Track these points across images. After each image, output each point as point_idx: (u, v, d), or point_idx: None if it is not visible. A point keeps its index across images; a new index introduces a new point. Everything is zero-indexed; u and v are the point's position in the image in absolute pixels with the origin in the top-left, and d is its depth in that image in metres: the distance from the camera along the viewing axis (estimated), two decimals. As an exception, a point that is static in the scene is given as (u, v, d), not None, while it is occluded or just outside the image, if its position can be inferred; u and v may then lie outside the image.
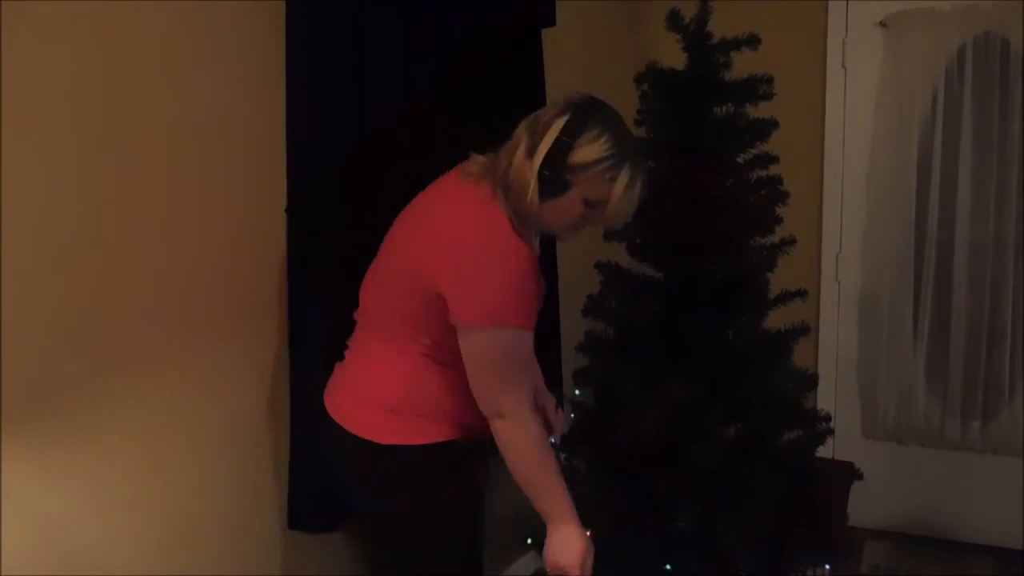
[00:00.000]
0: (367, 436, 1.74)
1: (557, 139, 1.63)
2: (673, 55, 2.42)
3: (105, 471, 1.65)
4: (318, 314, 2.01)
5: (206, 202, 1.81)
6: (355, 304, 1.88)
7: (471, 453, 1.83)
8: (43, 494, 1.55)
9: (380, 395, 1.77)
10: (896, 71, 3.20)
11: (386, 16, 2.09)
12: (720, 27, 2.38)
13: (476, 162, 1.75)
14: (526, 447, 1.71)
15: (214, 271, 1.84)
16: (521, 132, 1.70)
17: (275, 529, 2.04)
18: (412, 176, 1.94)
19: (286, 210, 1.98)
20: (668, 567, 2.20)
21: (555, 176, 1.63)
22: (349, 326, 1.90)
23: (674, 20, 2.35)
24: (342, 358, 1.88)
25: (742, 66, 2.37)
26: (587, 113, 1.65)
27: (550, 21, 2.64)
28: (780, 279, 2.45)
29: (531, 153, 1.65)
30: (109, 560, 1.66)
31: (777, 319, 2.44)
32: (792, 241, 2.43)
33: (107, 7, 1.57)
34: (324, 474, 2.01)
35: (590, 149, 1.63)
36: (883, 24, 3.23)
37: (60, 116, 1.51)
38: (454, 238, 1.66)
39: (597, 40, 3.23)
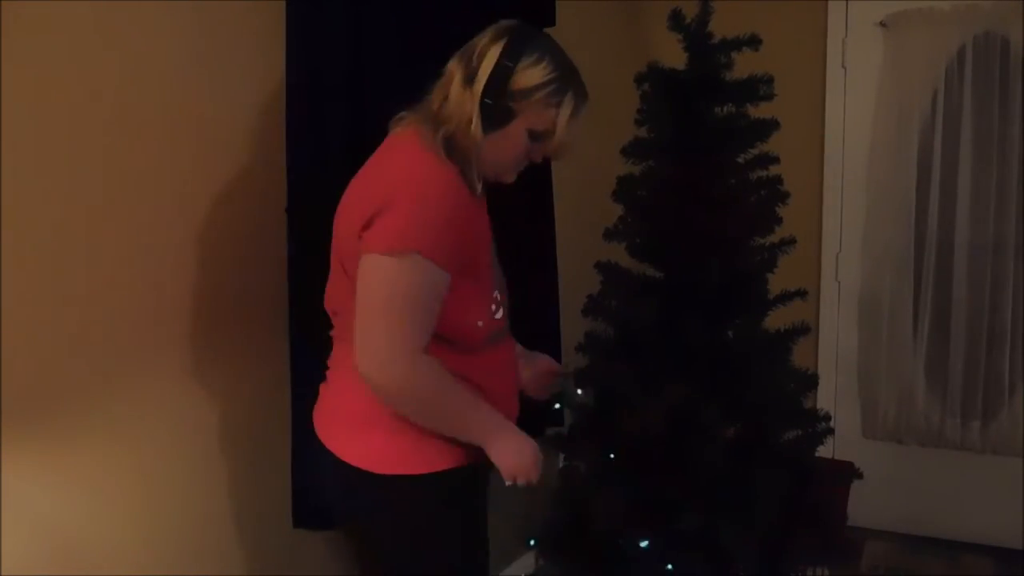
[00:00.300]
0: (362, 465, 1.58)
1: (497, 63, 1.52)
2: (674, 55, 2.42)
3: (105, 471, 1.64)
4: (319, 313, 2.01)
5: (207, 202, 1.81)
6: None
7: (473, 480, 1.67)
8: (43, 494, 1.54)
9: (356, 409, 1.60)
10: (896, 71, 3.20)
11: (386, 16, 2.09)
12: (720, 27, 2.38)
13: (404, 115, 1.64)
14: (427, 388, 1.51)
15: (215, 271, 1.84)
16: (453, 64, 1.59)
17: (278, 529, 2.04)
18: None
19: (286, 210, 1.98)
20: (669, 567, 2.20)
21: (498, 104, 1.52)
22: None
23: (675, 20, 2.35)
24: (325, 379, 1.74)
25: (742, 66, 2.37)
26: (525, 37, 1.56)
27: (550, 21, 2.64)
28: (780, 279, 2.45)
29: (470, 81, 1.53)
30: (109, 560, 1.66)
31: (777, 319, 2.44)
32: (792, 241, 2.43)
33: (107, 7, 1.57)
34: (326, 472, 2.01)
35: (532, 73, 1.54)
36: (883, 24, 3.23)
37: (60, 116, 1.51)
38: (374, 183, 1.55)
39: (597, 40, 3.23)
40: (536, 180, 2.61)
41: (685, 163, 2.32)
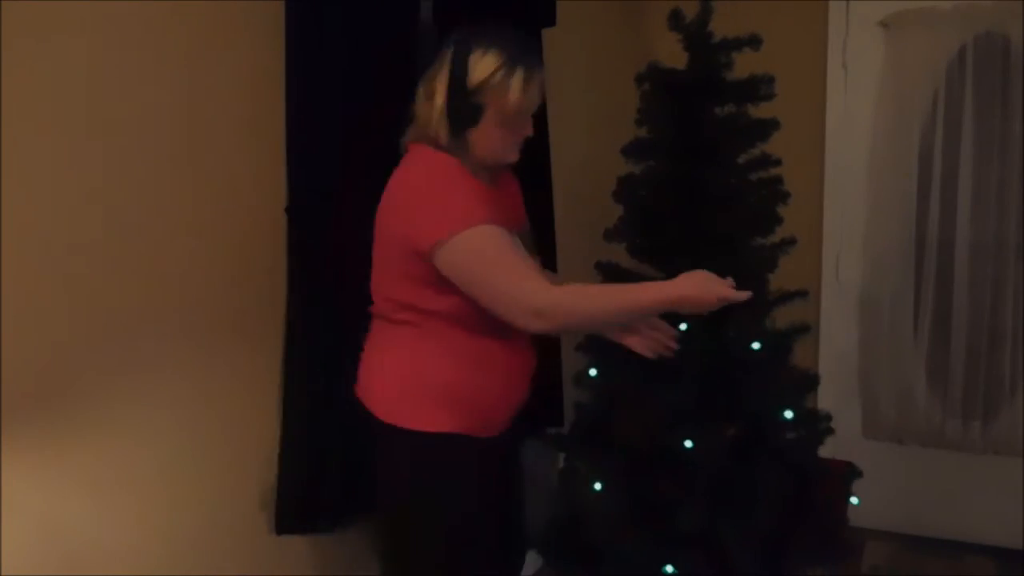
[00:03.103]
0: (390, 420, 1.75)
1: (450, 72, 1.68)
2: (674, 55, 2.42)
3: (105, 471, 1.64)
4: (317, 314, 2.01)
5: (206, 202, 1.81)
6: (355, 302, 1.88)
7: (488, 452, 1.80)
8: (43, 494, 1.54)
9: (388, 371, 1.79)
10: (896, 71, 3.20)
11: (386, 16, 2.09)
12: (721, 27, 2.38)
13: (405, 135, 1.82)
14: (587, 307, 1.69)
15: (214, 271, 1.84)
16: (419, 90, 1.77)
17: (273, 527, 2.04)
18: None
19: (286, 210, 1.98)
20: (669, 568, 2.20)
21: (463, 105, 1.69)
22: (348, 325, 1.90)
23: (676, 20, 2.35)
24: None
25: (743, 66, 2.37)
26: (467, 39, 1.70)
27: (550, 21, 2.64)
28: (780, 279, 2.45)
29: (430, 96, 1.72)
30: (109, 560, 1.66)
31: (777, 319, 2.44)
32: (792, 241, 2.43)
33: (106, 7, 1.57)
34: (318, 477, 2.01)
35: (482, 65, 1.68)
36: (883, 24, 3.23)
37: (59, 116, 1.51)
38: (399, 185, 1.74)
39: (597, 40, 3.23)
40: (536, 180, 2.61)
41: (685, 163, 2.32)
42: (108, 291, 1.62)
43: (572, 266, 2.87)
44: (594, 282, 2.51)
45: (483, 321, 1.71)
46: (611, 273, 2.48)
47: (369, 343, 1.86)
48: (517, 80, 1.68)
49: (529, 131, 1.81)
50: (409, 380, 1.76)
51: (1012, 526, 3.22)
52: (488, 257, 1.64)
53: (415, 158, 1.76)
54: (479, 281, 1.65)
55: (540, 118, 2.65)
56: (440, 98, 1.69)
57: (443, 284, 1.68)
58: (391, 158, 2.11)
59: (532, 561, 2.94)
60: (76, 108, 1.54)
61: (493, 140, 1.73)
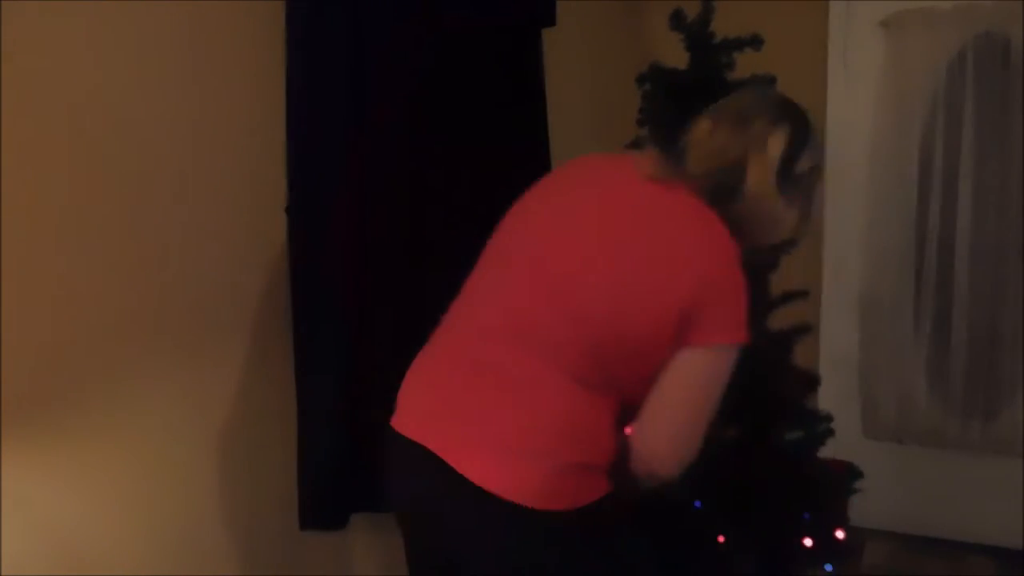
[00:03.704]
0: (526, 502, 1.38)
1: (789, 142, 1.54)
2: (675, 55, 2.42)
3: (105, 471, 1.64)
4: (322, 312, 2.01)
5: (207, 202, 1.81)
6: (355, 301, 1.87)
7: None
8: (43, 494, 1.54)
9: (556, 447, 1.42)
10: (897, 71, 3.20)
11: (386, 15, 2.09)
12: (721, 27, 2.38)
13: (651, 160, 1.57)
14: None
15: (217, 271, 1.84)
16: (726, 124, 1.56)
17: (279, 529, 2.04)
18: (412, 176, 1.94)
19: (286, 210, 1.98)
20: (668, 568, 2.20)
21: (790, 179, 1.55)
22: (351, 324, 1.89)
23: (677, 20, 2.34)
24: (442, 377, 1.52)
25: (744, 66, 2.37)
26: (806, 125, 1.59)
27: (550, 21, 2.64)
28: (780, 279, 2.45)
29: (760, 145, 1.53)
30: (109, 560, 1.66)
31: (777, 319, 2.43)
32: (792, 241, 2.43)
33: (106, 7, 1.57)
34: (336, 471, 2.01)
35: (807, 160, 1.58)
36: (883, 24, 3.23)
37: (59, 116, 1.51)
38: (699, 251, 1.48)
39: (597, 40, 3.22)
40: (536, 181, 2.61)
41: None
42: (109, 291, 1.62)
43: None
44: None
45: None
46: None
47: (521, 391, 1.44)
48: (818, 189, 1.63)
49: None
50: (594, 442, 1.46)
51: (1012, 526, 3.22)
52: (719, 384, 1.47)
53: (713, 224, 1.49)
54: (697, 395, 1.46)
55: (540, 118, 2.65)
56: (775, 154, 1.52)
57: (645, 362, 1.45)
58: (391, 158, 2.12)
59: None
60: (75, 108, 1.54)
61: (796, 225, 1.62)
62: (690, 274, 1.45)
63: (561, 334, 1.44)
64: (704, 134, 1.57)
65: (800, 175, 1.56)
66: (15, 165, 1.43)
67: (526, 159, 2.51)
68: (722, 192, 1.51)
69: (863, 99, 3.29)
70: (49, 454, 1.55)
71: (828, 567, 2.38)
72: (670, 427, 1.46)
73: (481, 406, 1.45)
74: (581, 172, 1.61)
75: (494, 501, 1.38)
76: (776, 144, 1.52)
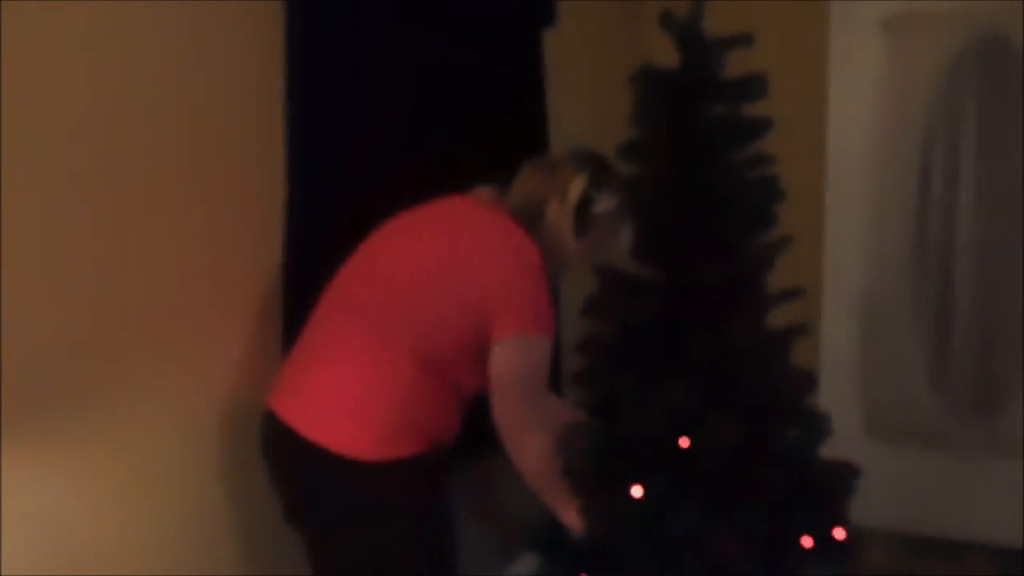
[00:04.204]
0: (350, 454, 1.74)
1: (585, 190, 1.97)
2: (673, 55, 2.42)
3: (105, 471, 1.65)
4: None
5: (205, 202, 1.81)
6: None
7: (440, 465, 1.89)
8: (43, 494, 1.55)
9: (376, 409, 1.77)
10: (897, 71, 3.20)
11: (386, 15, 2.10)
12: (721, 27, 2.37)
13: (488, 193, 1.98)
14: (545, 462, 1.87)
15: (213, 270, 1.84)
16: (538, 172, 2.00)
17: (282, 529, 2.04)
18: (411, 176, 1.95)
19: (285, 209, 1.98)
20: (668, 568, 2.20)
21: (583, 220, 1.97)
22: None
23: (667, 20, 2.34)
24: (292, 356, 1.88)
25: (743, 66, 2.37)
26: (604, 173, 2.00)
27: (551, 19, 2.64)
28: (780, 279, 2.45)
29: (562, 192, 1.97)
30: (109, 560, 1.66)
31: (777, 319, 2.43)
32: (791, 240, 2.43)
33: (106, 7, 1.57)
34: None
35: (605, 204, 2.00)
36: (884, 24, 3.23)
37: (59, 117, 1.51)
38: (489, 252, 1.85)
39: (597, 40, 3.23)
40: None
41: (680, 163, 2.32)
42: (109, 291, 1.62)
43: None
44: (592, 282, 2.51)
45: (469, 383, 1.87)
46: (610, 274, 2.47)
47: (347, 362, 1.80)
48: (626, 232, 2.01)
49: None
50: (406, 410, 1.80)
51: (1012, 526, 3.22)
52: (537, 367, 1.83)
53: (510, 232, 1.88)
54: (518, 379, 1.81)
55: (540, 117, 2.65)
56: (574, 198, 1.95)
57: (476, 353, 1.82)
58: (391, 157, 2.12)
59: (532, 561, 2.94)
60: (75, 108, 1.54)
61: (583, 254, 2.03)
62: (491, 266, 1.82)
63: (386, 308, 1.80)
64: (523, 176, 2.01)
65: (596, 215, 1.98)
66: (15, 165, 1.44)
67: (526, 158, 2.51)
68: (529, 220, 1.94)
69: (863, 99, 3.29)
70: (49, 454, 1.55)
71: (828, 567, 2.38)
72: (503, 406, 1.81)
73: (321, 377, 1.79)
74: (432, 204, 1.96)
75: (328, 455, 1.72)
76: (575, 190, 1.96)
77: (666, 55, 2.51)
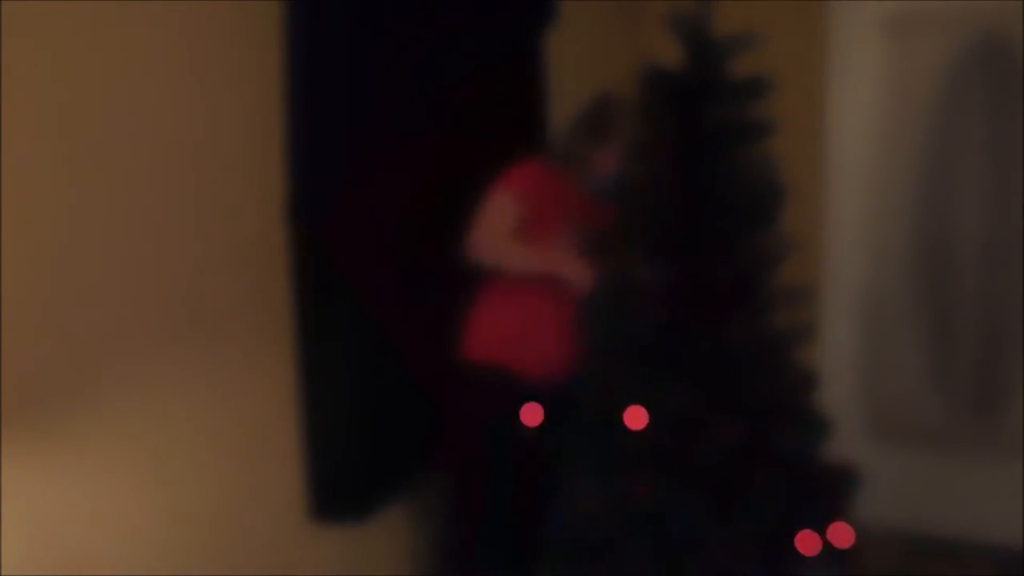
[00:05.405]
0: None
1: None
2: (675, 55, 2.42)
3: (106, 472, 1.65)
4: (320, 312, 2.01)
5: (206, 202, 1.81)
6: (354, 299, 1.91)
7: None
8: (43, 494, 1.55)
9: None
10: (897, 71, 3.20)
11: (386, 15, 2.10)
12: (721, 27, 2.37)
13: None
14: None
15: (218, 269, 1.84)
16: None
17: (282, 527, 2.04)
18: (410, 174, 1.94)
19: (286, 209, 1.98)
20: (668, 569, 2.20)
21: None
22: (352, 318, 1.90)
23: (674, 20, 2.34)
24: None
25: (743, 66, 2.37)
26: None
27: (551, 17, 2.64)
28: (781, 279, 2.45)
29: None
30: (109, 560, 1.66)
31: (778, 319, 2.43)
32: (793, 241, 2.43)
33: (106, 7, 1.57)
34: (348, 464, 2.03)
35: None
36: (884, 24, 3.22)
37: (59, 118, 1.51)
38: None
39: (597, 40, 3.23)
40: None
41: (683, 163, 2.32)
42: (109, 291, 1.62)
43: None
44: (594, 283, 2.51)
45: None
46: (612, 277, 2.47)
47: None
48: None
49: None
50: None
51: (1012, 526, 3.21)
52: None
53: None
54: None
55: (540, 117, 2.65)
56: None
57: None
58: (390, 157, 2.12)
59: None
60: (75, 108, 1.54)
61: None
62: None
63: None
64: None
65: None
66: (15, 165, 1.44)
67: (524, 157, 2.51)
68: None
69: (864, 100, 3.29)
70: (50, 454, 1.55)
71: (828, 568, 2.38)
72: None
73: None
74: None
75: None
76: None
77: (666, 55, 2.51)
